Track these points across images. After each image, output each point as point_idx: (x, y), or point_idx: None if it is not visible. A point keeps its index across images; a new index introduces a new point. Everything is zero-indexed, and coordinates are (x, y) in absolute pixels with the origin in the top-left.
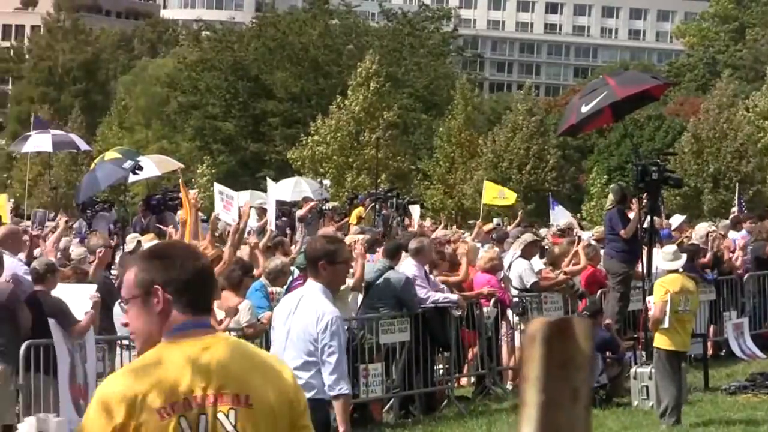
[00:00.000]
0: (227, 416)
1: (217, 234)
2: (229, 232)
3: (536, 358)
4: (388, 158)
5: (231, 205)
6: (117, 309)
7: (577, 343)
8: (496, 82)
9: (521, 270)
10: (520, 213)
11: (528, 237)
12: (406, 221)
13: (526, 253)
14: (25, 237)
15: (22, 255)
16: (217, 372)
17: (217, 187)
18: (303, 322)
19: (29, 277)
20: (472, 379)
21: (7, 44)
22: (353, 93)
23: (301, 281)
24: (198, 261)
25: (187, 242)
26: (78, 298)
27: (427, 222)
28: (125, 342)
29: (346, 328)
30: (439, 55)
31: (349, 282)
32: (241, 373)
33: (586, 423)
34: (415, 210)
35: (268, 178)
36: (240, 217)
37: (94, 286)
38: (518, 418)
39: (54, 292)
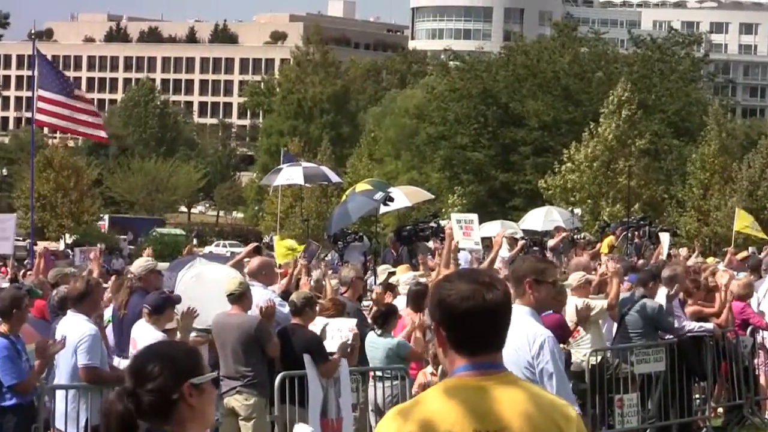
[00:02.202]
0: None
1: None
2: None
3: None
4: (641, 186)
5: (471, 229)
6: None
7: None
8: (749, 107)
9: None
10: None
11: None
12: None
13: None
14: (280, 270)
15: (275, 287)
16: (487, 416)
17: (455, 216)
18: (512, 348)
19: (284, 309)
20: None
21: (257, 78)
22: (605, 120)
23: (550, 312)
24: (474, 299)
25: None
26: (336, 331)
27: (683, 251)
28: (378, 373)
29: (600, 358)
30: (690, 80)
31: (603, 303)
32: (512, 417)
33: None
34: (664, 238)
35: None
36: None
37: (354, 320)
38: None
39: (312, 325)
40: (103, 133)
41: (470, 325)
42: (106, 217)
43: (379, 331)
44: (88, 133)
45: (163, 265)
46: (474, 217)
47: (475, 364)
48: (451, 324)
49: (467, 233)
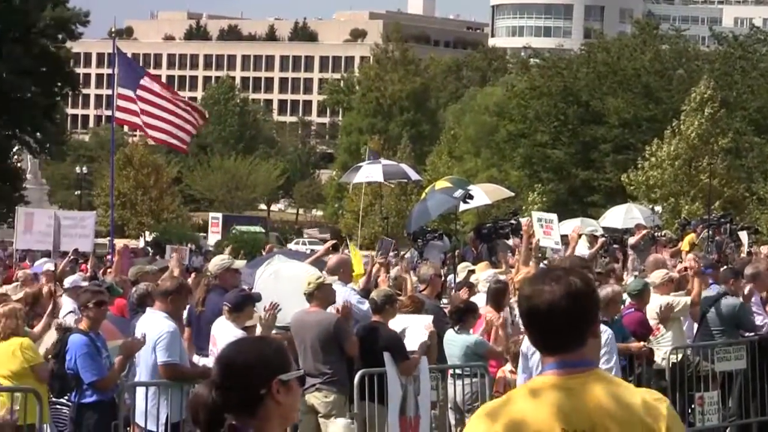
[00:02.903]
0: None
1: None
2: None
3: None
4: (722, 184)
5: (551, 229)
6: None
7: None
8: None
9: None
10: None
11: None
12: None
13: None
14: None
15: (353, 284)
16: (574, 416)
17: (535, 214)
18: None
19: (363, 306)
20: None
21: (337, 76)
22: (688, 118)
23: (632, 309)
24: (537, 298)
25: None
26: (414, 328)
27: (765, 249)
28: (457, 371)
29: (680, 356)
30: None
31: (685, 300)
32: (599, 416)
33: None
34: (743, 235)
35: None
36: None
37: (430, 317)
38: None
39: (392, 322)
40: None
41: (549, 323)
42: (219, 215)
43: (457, 329)
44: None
45: (240, 263)
46: (554, 217)
47: (560, 363)
48: (531, 323)
49: (548, 232)
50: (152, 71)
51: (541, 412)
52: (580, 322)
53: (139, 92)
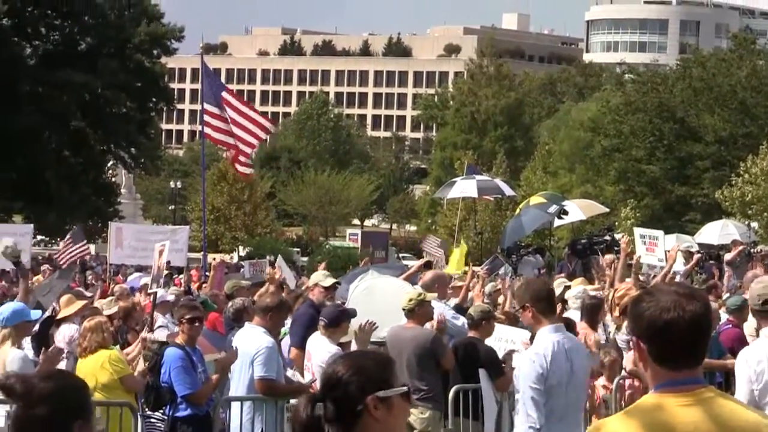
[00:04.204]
0: None
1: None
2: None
3: None
4: None
5: (655, 246)
6: None
7: None
8: None
9: None
10: None
11: None
12: None
13: None
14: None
15: (451, 301)
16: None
17: (638, 231)
18: None
19: (458, 322)
20: None
21: (431, 91)
22: None
23: (730, 325)
24: (678, 311)
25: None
26: (509, 342)
27: None
28: None
29: None
30: None
31: None
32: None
33: None
34: None
35: None
36: (666, 260)
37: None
38: None
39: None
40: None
41: (672, 337)
42: (359, 233)
43: None
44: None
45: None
46: (659, 234)
47: (677, 380)
48: (652, 337)
49: (651, 249)
50: (246, 86)
51: (659, 430)
52: (708, 339)
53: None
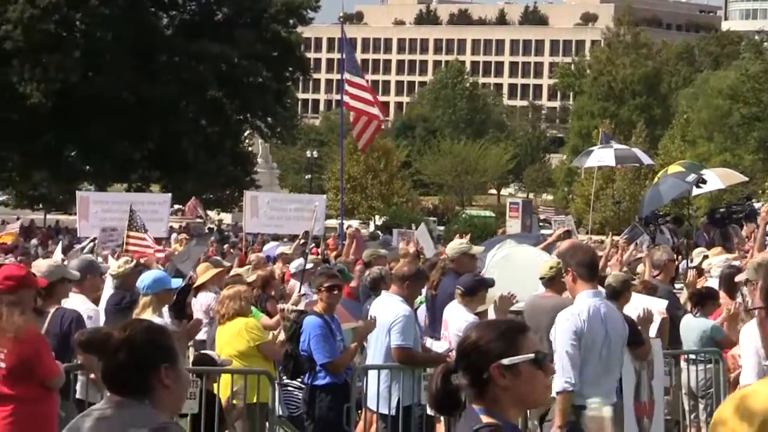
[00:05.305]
0: None
1: None
2: None
3: None
4: None
5: None
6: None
7: None
8: None
9: None
10: None
11: None
12: None
13: None
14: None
15: None
16: None
17: None
18: None
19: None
20: None
21: (568, 60)
22: None
23: None
24: None
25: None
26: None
27: None
28: (692, 356)
29: None
30: None
31: None
32: None
33: None
34: None
35: None
36: None
37: (665, 302)
38: None
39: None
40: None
41: None
42: (519, 201)
43: (696, 313)
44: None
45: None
46: None
47: None
48: None
49: None
50: (382, 56)
51: None
52: None
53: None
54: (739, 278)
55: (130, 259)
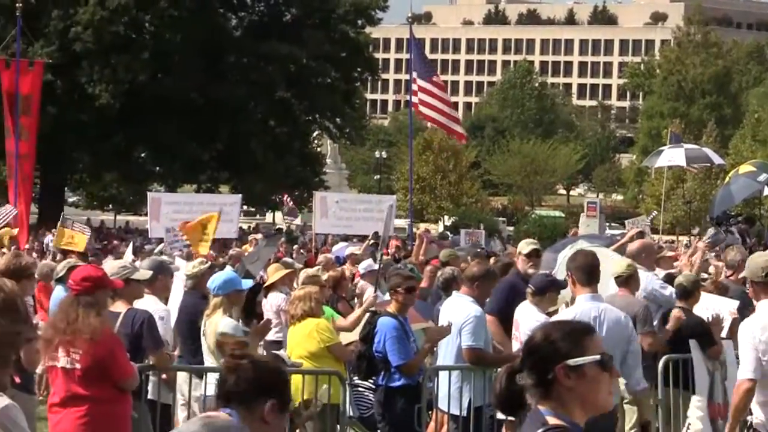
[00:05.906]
0: None
1: None
2: None
3: None
4: None
5: None
6: None
7: None
8: None
9: None
10: None
11: None
12: None
13: None
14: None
15: (659, 271)
16: None
17: None
18: None
19: (665, 291)
20: None
21: (637, 59)
22: None
23: None
24: None
25: None
26: (716, 310)
27: None
28: None
29: None
30: None
31: None
32: None
33: None
34: None
35: None
36: None
37: (735, 302)
38: None
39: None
40: (460, 129)
41: None
42: (597, 201)
43: None
44: (449, 127)
45: None
46: None
47: None
48: None
49: None
50: (451, 56)
51: None
52: None
53: (425, 81)
54: None
55: (204, 260)
